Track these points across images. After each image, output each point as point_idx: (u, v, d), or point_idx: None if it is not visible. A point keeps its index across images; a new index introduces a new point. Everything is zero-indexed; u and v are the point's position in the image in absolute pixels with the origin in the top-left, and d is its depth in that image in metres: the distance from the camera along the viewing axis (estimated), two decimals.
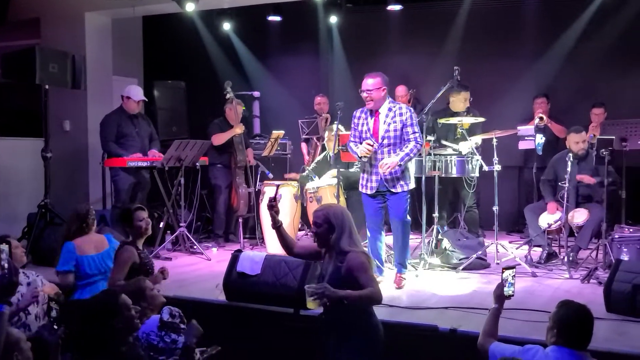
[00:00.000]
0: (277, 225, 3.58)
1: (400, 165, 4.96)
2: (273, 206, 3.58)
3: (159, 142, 7.07)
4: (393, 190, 5.05)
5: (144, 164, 6.58)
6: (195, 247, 6.59)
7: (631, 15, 7.26)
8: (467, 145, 6.24)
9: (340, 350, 3.39)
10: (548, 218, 5.97)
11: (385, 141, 5.01)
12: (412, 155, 4.99)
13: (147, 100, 7.18)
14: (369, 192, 5.12)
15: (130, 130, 6.72)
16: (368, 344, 3.39)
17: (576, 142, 6.05)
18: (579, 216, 5.84)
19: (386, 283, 5.15)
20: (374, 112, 5.07)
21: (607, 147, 5.62)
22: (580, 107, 7.39)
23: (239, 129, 7.01)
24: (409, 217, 5.20)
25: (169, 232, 6.83)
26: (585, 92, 7.60)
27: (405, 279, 5.18)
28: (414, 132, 5.01)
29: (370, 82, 4.99)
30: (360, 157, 5.06)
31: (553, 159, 6.41)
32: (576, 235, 5.88)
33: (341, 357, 3.39)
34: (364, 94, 5.01)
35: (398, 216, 5.11)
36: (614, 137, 5.69)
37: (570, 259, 5.64)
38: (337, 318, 3.40)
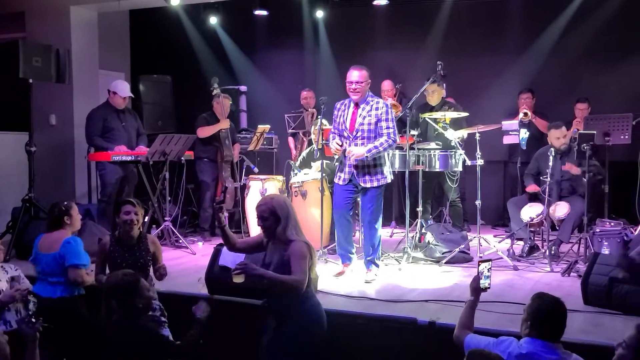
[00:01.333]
0: (221, 225, 3.80)
1: (367, 157, 4.99)
2: (221, 208, 3.78)
3: (146, 136, 7.07)
4: (362, 184, 5.08)
5: (129, 158, 6.57)
6: (180, 241, 6.60)
7: (614, 11, 7.32)
8: (456, 134, 6.25)
9: (278, 335, 3.56)
10: (530, 211, 6.02)
11: (359, 134, 5.06)
12: (380, 149, 5.01)
13: (133, 96, 7.18)
14: (341, 183, 5.18)
15: (116, 124, 6.71)
16: (305, 330, 3.54)
17: (557, 137, 6.10)
18: (560, 209, 5.89)
19: (355, 275, 5.23)
20: (353, 105, 5.12)
21: (588, 142, 5.68)
22: (565, 102, 7.45)
23: (224, 124, 7.03)
24: (379, 218, 5.18)
25: (154, 226, 6.84)
26: (569, 87, 7.67)
27: (375, 274, 5.19)
28: (388, 127, 5.04)
29: (357, 74, 5.04)
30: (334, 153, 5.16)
31: (537, 153, 6.47)
32: (558, 228, 5.94)
33: (279, 342, 3.54)
34: (353, 86, 5.04)
35: (367, 215, 5.15)
36: (595, 132, 5.74)
37: (552, 252, 5.70)
38: (275, 304, 3.59)
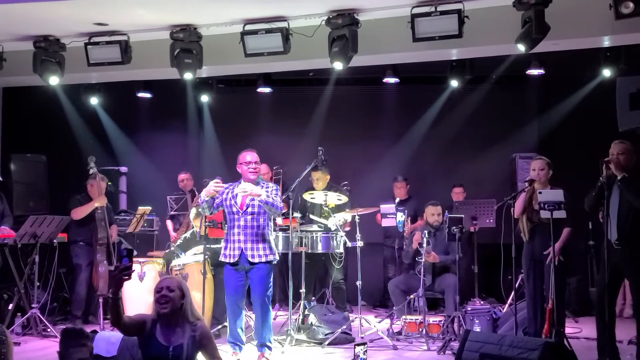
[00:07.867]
0: (117, 296, 3.40)
1: (260, 201, 5.00)
2: (129, 274, 3.40)
3: (12, 218, 6.69)
4: (251, 259, 5.05)
5: None
6: (48, 330, 6.16)
7: (475, 107, 8.11)
8: (334, 222, 6.45)
9: None
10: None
11: (250, 209, 5.10)
12: (271, 203, 5.02)
13: (1, 179, 6.81)
14: (230, 260, 5.09)
15: None
16: None
17: (432, 214, 6.61)
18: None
19: None
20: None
21: (457, 225, 6.06)
22: (439, 187, 7.98)
23: (100, 201, 6.77)
24: (270, 299, 5.19)
25: (19, 314, 6.34)
26: (442, 173, 8.29)
27: (269, 358, 5.12)
28: (276, 198, 5.15)
29: (256, 156, 5.20)
30: (206, 200, 5.06)
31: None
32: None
33: None
34: (253, 166, 5.14)
35: (259, 293, 5.10)
36: (463, 216, 6.15)
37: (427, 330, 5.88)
38: None
